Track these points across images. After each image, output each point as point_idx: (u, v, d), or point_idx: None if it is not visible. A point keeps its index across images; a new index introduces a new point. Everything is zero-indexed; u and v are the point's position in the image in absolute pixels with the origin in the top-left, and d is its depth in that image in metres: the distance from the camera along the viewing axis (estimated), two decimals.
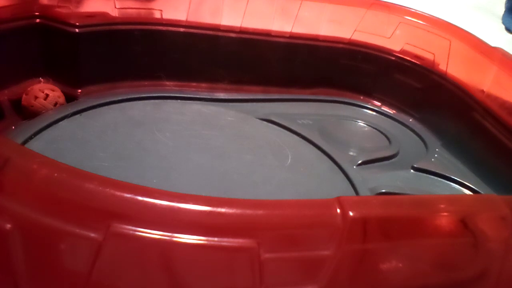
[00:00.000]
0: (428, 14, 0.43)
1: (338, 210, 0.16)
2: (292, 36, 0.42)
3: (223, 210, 0.15)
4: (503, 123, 0.34)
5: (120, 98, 0.36)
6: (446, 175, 0.35)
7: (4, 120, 0.33)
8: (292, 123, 0.38)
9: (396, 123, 0.43)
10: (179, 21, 0.39)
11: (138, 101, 0.37)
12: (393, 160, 0.37)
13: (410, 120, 0.43)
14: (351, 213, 0.16)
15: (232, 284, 0.15)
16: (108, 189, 0.14)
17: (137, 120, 0.34)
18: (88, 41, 0.36)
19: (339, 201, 0.16)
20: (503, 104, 0.35)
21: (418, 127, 0.42)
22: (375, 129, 0.41)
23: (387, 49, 0.43)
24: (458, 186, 0.35)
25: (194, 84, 0.41)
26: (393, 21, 0.43)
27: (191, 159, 0.31)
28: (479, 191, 0.34)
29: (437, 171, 0.36)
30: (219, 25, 0.40)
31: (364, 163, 0.36)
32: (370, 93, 0.45)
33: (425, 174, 0.36)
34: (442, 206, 0.18)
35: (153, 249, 0.14)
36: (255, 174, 0.31)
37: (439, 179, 0.35)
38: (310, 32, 0.43)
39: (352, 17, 0.43)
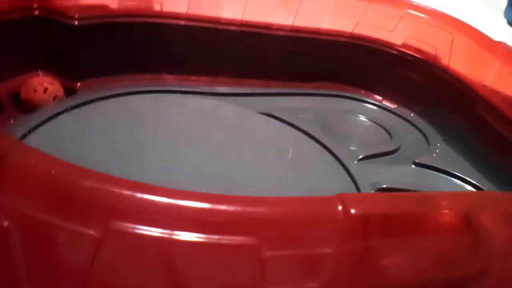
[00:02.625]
0: (431, 8, 0.42)
1: (340, 208, 0.16)
2: (294, 29, 0.42)
3: (223, 207, 0.14)
4: (505, 118, 0.34)
5: (120, 91, 0.36)
6: (448, 170, 0.35)
7: (2, 114, 0.33)
8: (293, 117, 0.38)
9: (397, 118, 0.43)
10: (180, 13, 0.39)
11: (138, 95, 0.37)
12: (394, 155, 0.37)
13: (412, 114, 0.43)
14: (352, 211, 0.16)
15: (232, 282, 0.15)
16: (107, 186, 0.14)
17: (137, 113, 0.34)
18: (88, 33, 0.35)
19: (341, 198, 0.16)
20: (505, 98, 0.35)
21: (419, 121, 0.42)
22: (377, 123, 0.41)
23: (389, 42, 0.43)
24: (460, 181, 0.35)
25: (194, 77, 0.41)
26: (395, 14, 0.43)
27: (191, 153, 0.31)
28: (481, 187, 0.34)
29: (438, 167, 0.36)
30: (220, 18, 0.40)
31: (366, 158, 0.35)
32: (371, 87, 0.45)
33: (426, 170, 0.36)
34: (444, 203, 0.18)
35: (153, 246, 0.14)
36: (256, 169, 0.31)
37: (441, 174, 0.35)
38: (312, 25, 0.42)
39: (354, 10, 0.43)
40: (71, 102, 0.33)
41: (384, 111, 0.43)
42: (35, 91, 0.33)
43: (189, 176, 0.29)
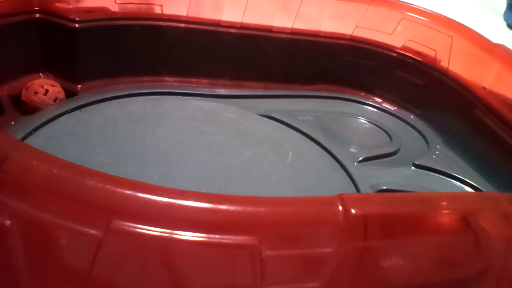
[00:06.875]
0: (430, 10, 0.43)
1: (340, 208, 0.16)
2: (293, 32, 0.42)
3: (224, 207, 0.14)
4: (504, 120, 0.34)
5: (120, 93, 0.36)
6: (447, 172, 0.35)
7: (3, 116, 0.33)
8: (293, 119, 0.38)
9: (397, 120, 0.43)
10: (180, 16, 0.39)
11: (138, 97, 0.37)
12: (394, 157, 0.37)
13: (411, 116, 0.43)
14: (353, 211, 0.16)
15: (233, 281, 0.15)
16: (108, 186, 0.14)
17: (138, 116, 0.34)
18: (88, 36, 0.36)
19: (341, 198, 0.16)
20: (504, 101, 0.35)
21: (419, 124, 0.42)
22: (376, 125, 0.41)
23: (389, 45, 0.43)
24: (459, 183, 0.35)
25: (194, 80, 0.41)
26: (394, 17, 0.43)
27: (192, 155, 0.31)
28: (481, 188, 0.34)
29: (438, 168, 0.36)
30: (220, 21, 0.40)
31: (365, 159, 0.35)
32: (371, 90, 0.45)
33: (426, 171, 0.36)
34: (443, 203, 0.18)
35: (154, 246, 0.14)
36: (256, 170, 0.31)
37: (440, 176, 0.35)
38: (311, 28, 0.42)
39: (353, 13, 0.43)
40: (72, 104, 0.34)
41: (383, 113, 0.43)
42: (36, 93, 0.33)
43: (189, 176, 0.29)
